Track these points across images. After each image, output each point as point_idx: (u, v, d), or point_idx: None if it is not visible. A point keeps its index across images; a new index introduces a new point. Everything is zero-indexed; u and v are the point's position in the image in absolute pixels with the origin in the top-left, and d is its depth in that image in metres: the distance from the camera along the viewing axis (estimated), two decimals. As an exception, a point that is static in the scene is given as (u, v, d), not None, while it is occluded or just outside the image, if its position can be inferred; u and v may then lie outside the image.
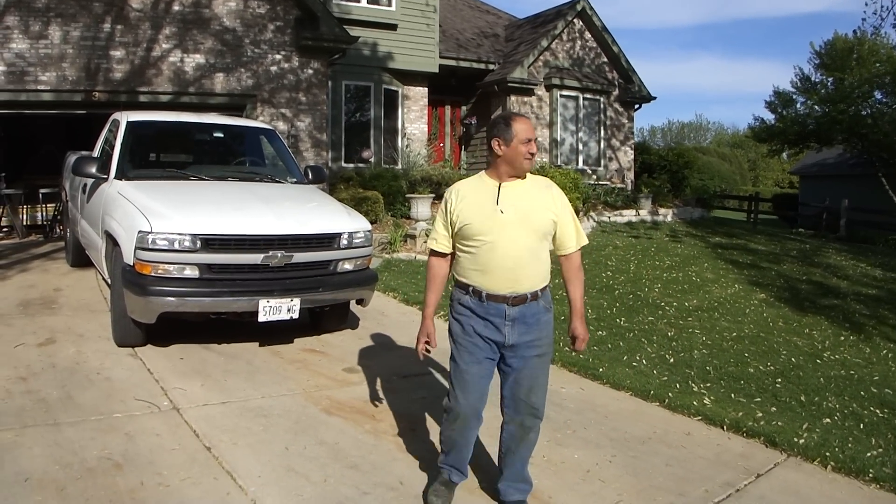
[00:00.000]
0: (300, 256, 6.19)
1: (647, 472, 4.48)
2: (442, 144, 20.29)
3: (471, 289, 3.64)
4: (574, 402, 5.61)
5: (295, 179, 7.85)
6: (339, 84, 16.88)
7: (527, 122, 3.59)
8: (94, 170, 6.98)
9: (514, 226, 3.53)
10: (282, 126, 13.94)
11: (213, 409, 5.06)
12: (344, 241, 6.46)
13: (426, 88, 18.77)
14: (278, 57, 13.94)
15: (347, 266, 6.56)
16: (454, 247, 3.72)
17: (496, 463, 4.02)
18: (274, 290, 5.99)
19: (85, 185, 7.83)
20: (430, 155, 17.94)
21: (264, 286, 6.00)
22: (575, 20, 20.30)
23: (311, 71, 14.27)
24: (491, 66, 19.57)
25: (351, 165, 16.79)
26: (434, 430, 4.84)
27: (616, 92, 21.14)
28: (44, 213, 13.66)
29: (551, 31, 19.63)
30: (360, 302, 6.84)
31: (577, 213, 13.65)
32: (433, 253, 3.80)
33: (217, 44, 13.36)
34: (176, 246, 5.73)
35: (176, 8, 13.00)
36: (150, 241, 5.71)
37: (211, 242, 5.84)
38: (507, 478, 3.83)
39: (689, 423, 5.35)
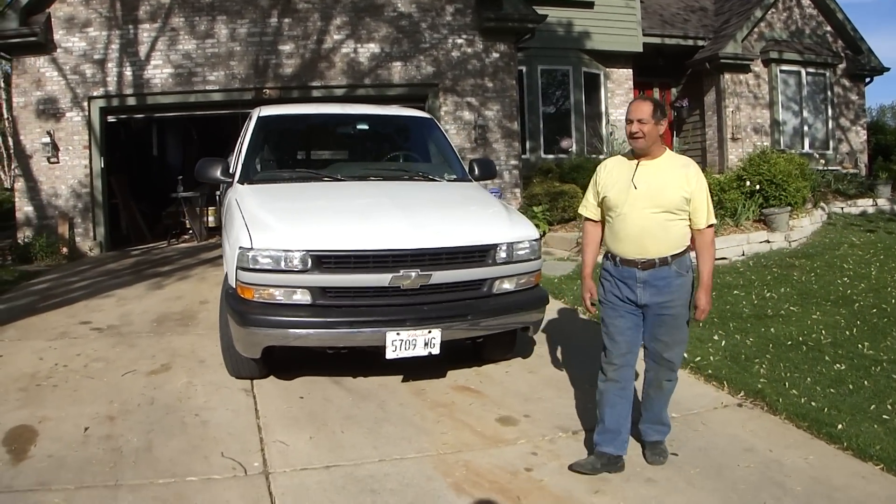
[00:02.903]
0: (441, 276, 4.79)
1: None
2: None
3: (609, 254, 4.04)
4: (801, 480, 3.87)
5: (455, 176, 6.47)
6: (534, 69, 15.57)
7: (635, 103, 3.89)
8: (217, 173, 5.97)
9: (644, 200, 3.83)
10: (467, 115, 12.84)
11: (311, 478, 3.90)
12: (501, 255, 5.00)
13: (631, 70, 17.06)
14: (460, 41, 12.75)
15: (507, 285, 5.10)
16: (603, 215, 4.09)
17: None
18: (406, 320, 4.66)
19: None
20: (637, 142, 16.11)
21: (394, 314, 4.68)
22: (791, -15, 17.75)
23: (496, 55, 12.96)
24: (700, 43, 17.48)
25: (551, 156, 15.47)
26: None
27: (843, 65, 18.31)
28: (226, 216, 13.39)
29: (765, 0, 17.16)
30: (524, 330, 5.36)
31: (804, 203, 11.66)
32: (585, 219, 4.21)
33: (392, 31, 12.40)
34: (282, 265, 4.55)
35: (347, -4, 12.19)
36: (250, 260, 4.56)
37: (325, 260, 4.59)
38: (645, 419, 4.13)
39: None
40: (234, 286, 4.77)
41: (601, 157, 15.31)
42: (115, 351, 6.13)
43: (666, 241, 3.85)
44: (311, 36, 12.05)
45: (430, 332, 4.67)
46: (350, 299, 4.68)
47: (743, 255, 10.19)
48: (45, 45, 11.43)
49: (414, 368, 5.35)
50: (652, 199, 3.81)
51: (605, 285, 4.04)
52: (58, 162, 11.58)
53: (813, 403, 4.84)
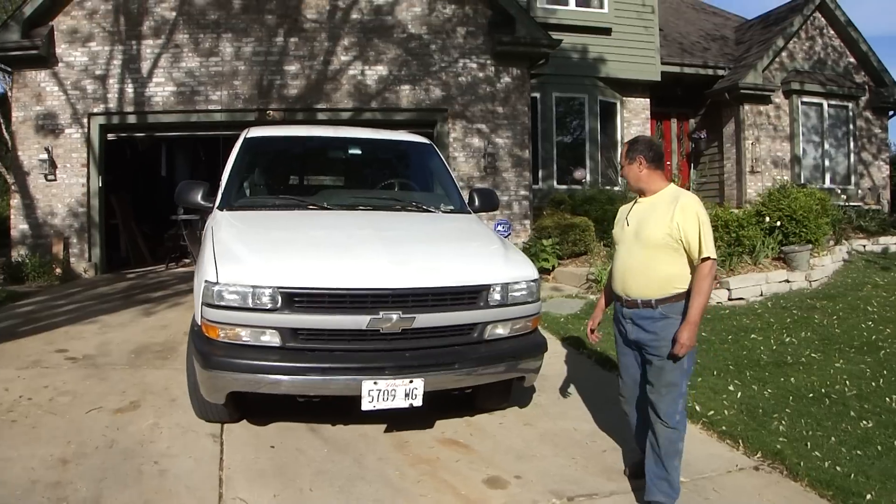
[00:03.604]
0: (426, 319, 4.33)
1: None
2: (668, 162, 17.74)
3: None
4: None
5: (451, 207, 6.03)
6: (549, 95, 15.18)
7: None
8: (198, 198, 5.57)
9: (630, 238, 3.91)
10: (477, 142, 12.43)
11: (266, 550, 3.43)
12: (495, 297, 4.54)
13: (648, 99, 16.61)
14: (471, 65, 12.39)
15: (500, 330, 4.63)
16: None
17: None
18: (385, 368, 4.21)
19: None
20: (654, 174, 15.60)
21: (372, 361, 4.22)
22: (814, 15, 17.38)
23: (509, 79, 12.58)
24: (720, 72, 17.07)
25: (564, 187, 15.00)
26: None
27: (866, 97, 17.87)
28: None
29: (787, 29, 16.88)
30: (519, 380, 4.87)
31: (825, 240, 11.11)
32: None
33: (401, 53, 12.07)
34: (250, 302, 4.12)
35: (355, 16, 11.90)
36: (215, 295, 4.14)
37: (297, 298, 4.16)
38: (648, 473, 3.83)
39: None
40: (199, 323, 4.35)
41: (615, 188, 14.90)
42: (85, 384, 5.73)
43: (648, 281, 3.80)
44: (318, 56, 11.74)
45: (411, 381, 4.21)
46: (324, 343, 4.23)
47: (761, 295, 9.68)
48: (46, 59, 11.21)
49: (399, 417, 4.87)
50: (636, 236, 3.86)
51: (614, 320, 4.12)
52: (55, 179, 11.29)
53: (838, 468, 4.36)
